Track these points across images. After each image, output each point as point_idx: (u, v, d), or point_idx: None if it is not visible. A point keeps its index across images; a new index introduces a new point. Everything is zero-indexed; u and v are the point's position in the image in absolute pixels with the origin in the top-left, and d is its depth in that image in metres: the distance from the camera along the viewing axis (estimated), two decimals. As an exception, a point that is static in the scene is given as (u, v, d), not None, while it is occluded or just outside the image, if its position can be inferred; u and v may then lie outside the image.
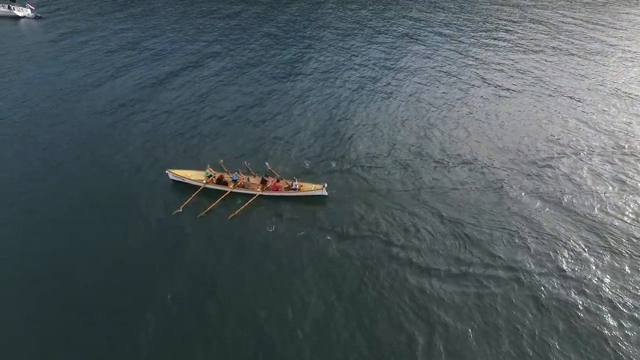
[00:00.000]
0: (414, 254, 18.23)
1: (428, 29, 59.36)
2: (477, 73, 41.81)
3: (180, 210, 20.05)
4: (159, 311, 15.09)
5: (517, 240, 19.25)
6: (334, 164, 24.78)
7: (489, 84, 38.96)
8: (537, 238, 19.44)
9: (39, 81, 35.20)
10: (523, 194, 22.66)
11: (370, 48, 49.20)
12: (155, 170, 23.12)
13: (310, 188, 21.75)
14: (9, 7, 54.99)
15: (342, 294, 16.27)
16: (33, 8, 56.73)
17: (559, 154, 26.79)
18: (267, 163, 23.43)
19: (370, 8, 73.31)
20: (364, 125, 29.71)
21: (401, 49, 49.11)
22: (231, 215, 19.89)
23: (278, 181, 21.90)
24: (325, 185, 21.72)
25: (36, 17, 55.53)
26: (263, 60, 43.51)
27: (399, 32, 57.43)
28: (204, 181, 21.64)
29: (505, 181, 23.74)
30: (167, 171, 21.91)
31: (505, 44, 52.67)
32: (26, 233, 18.53)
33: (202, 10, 66.45)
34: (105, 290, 15.94)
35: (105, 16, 59.39)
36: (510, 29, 60.80)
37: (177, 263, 17.32)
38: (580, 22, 66.27)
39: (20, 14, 54.89)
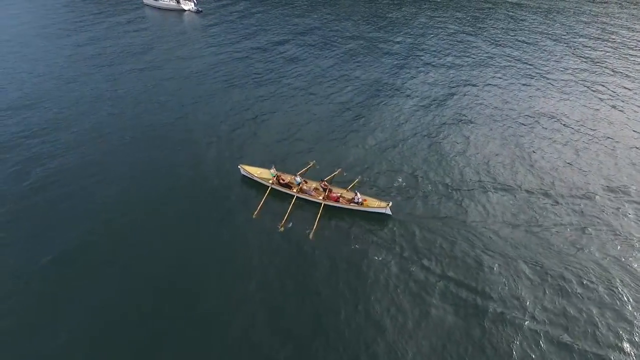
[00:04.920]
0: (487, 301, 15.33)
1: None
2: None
3: (256, 213, 20.17)
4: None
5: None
6: (406, 183, 22.35)
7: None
8: None
9: (181, 72, 39.10)
10: None
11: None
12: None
13: (374, 205, 19.96)
14: (177, 1, 64.56)
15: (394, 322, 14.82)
16: (196, 2, 65.47)
17: None
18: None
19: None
20: (458, 144, 26.05)
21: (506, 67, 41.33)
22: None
23: (338, 191, 20.73)
24: (390, 204, 19.64)
25: (197, 12, 63.91)
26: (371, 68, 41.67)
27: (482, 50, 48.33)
28: (270, 181, 21.80)
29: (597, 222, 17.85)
30: (239, 166, 22.76)
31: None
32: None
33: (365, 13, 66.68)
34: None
35: (263, 14, 62.24)
36: None
37: (226, 256, 17.95)
38: None
39: (186, 7, 63.91)
